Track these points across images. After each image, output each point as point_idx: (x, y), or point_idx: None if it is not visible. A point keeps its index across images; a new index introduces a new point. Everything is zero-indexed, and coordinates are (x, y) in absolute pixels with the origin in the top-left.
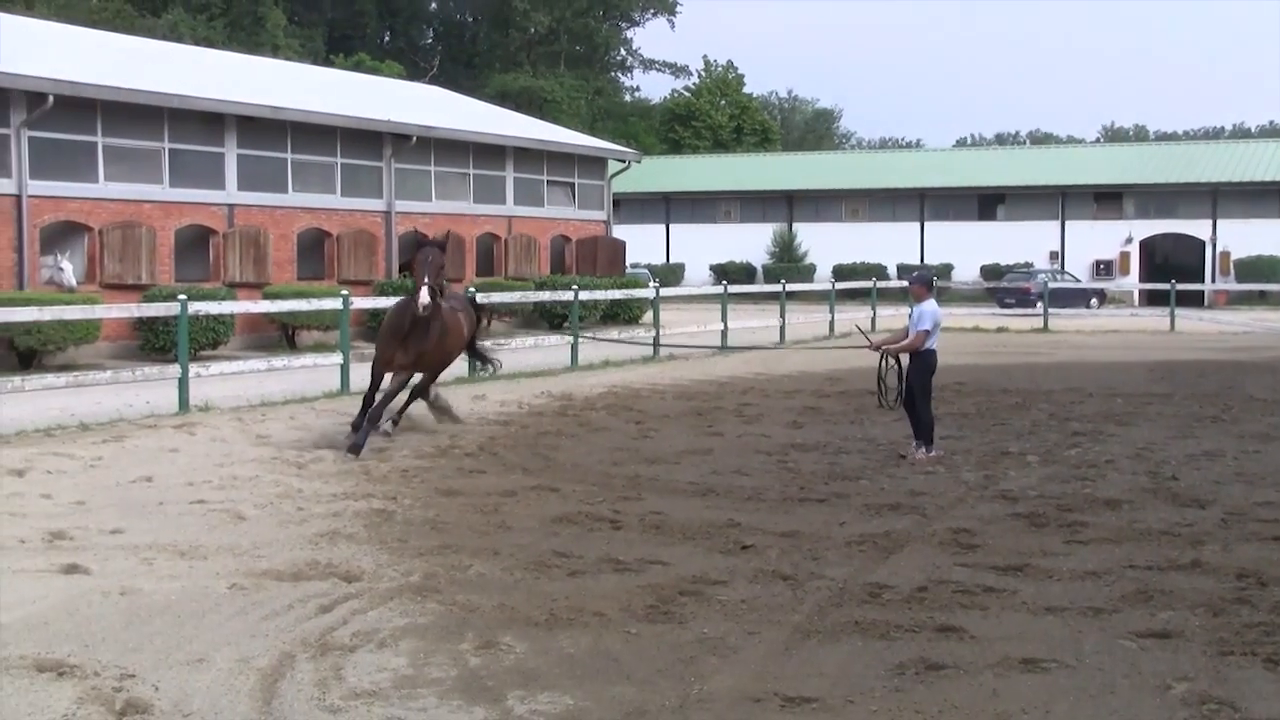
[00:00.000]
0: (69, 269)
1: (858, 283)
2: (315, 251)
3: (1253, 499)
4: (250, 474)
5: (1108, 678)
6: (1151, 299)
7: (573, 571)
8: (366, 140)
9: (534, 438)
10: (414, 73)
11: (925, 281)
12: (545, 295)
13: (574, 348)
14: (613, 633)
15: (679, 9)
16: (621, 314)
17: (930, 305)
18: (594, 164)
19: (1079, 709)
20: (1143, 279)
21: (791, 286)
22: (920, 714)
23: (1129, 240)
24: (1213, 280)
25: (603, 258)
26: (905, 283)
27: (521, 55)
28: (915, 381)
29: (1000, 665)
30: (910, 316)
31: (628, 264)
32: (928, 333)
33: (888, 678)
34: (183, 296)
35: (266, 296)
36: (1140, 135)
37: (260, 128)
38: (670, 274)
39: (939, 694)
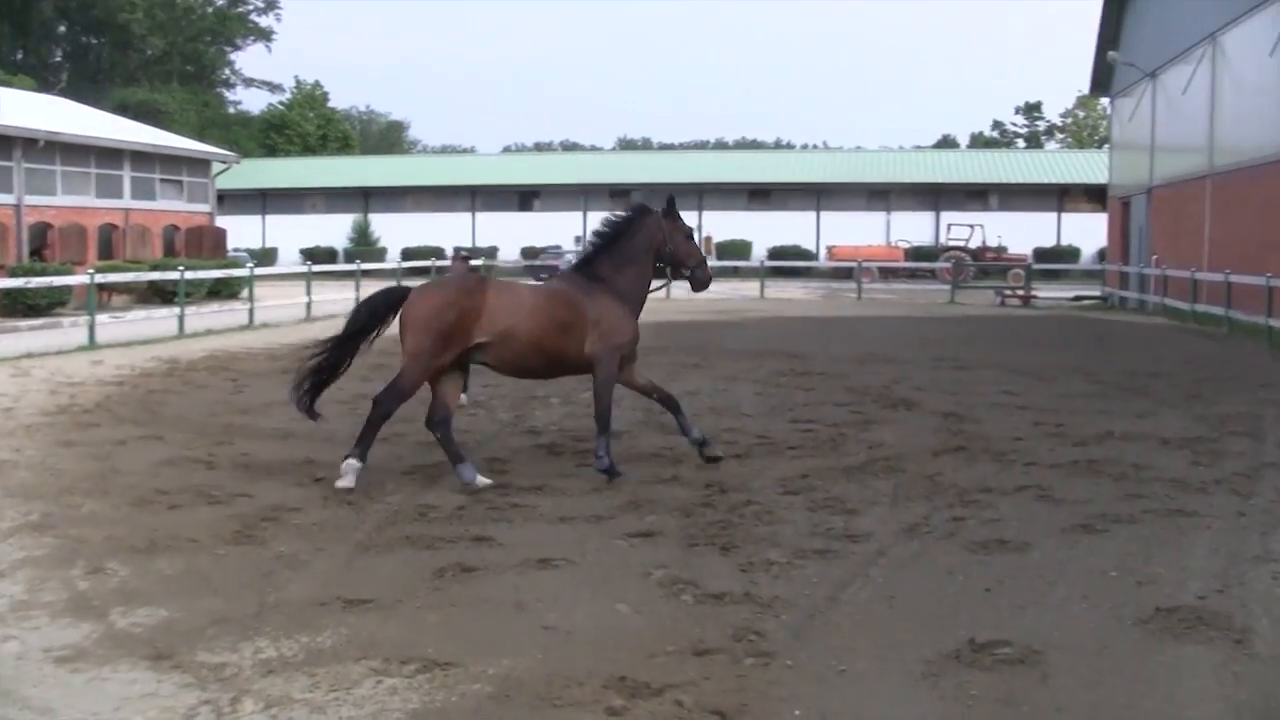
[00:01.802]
0: None
1: (422, 262)
2: None
3: (720, 426)
4: None
5: (605, 570)
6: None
7: (172, 506)
8: None
9: (143, 395)
10: (44, 86)
11: (467, 258)
12: (157, 275)
13: (180, 318)
14: (204, 555)
15: (275, 36)
16: (224, 290)
17: None
18: (200, 165)
19: (581, 595)
20: None
21: (366, 266)
22: (455, 606)
23: None
24: None
25: (208, 243)
26: (473, 261)
27: (140, 73)
28: None
29: (521, 565)
30: None
31: (230, 248)
32: None
33: (431, 580)
34: None
35: None
36: (646, 145)
37: None
38: (266, 256)
39: (471, 590)
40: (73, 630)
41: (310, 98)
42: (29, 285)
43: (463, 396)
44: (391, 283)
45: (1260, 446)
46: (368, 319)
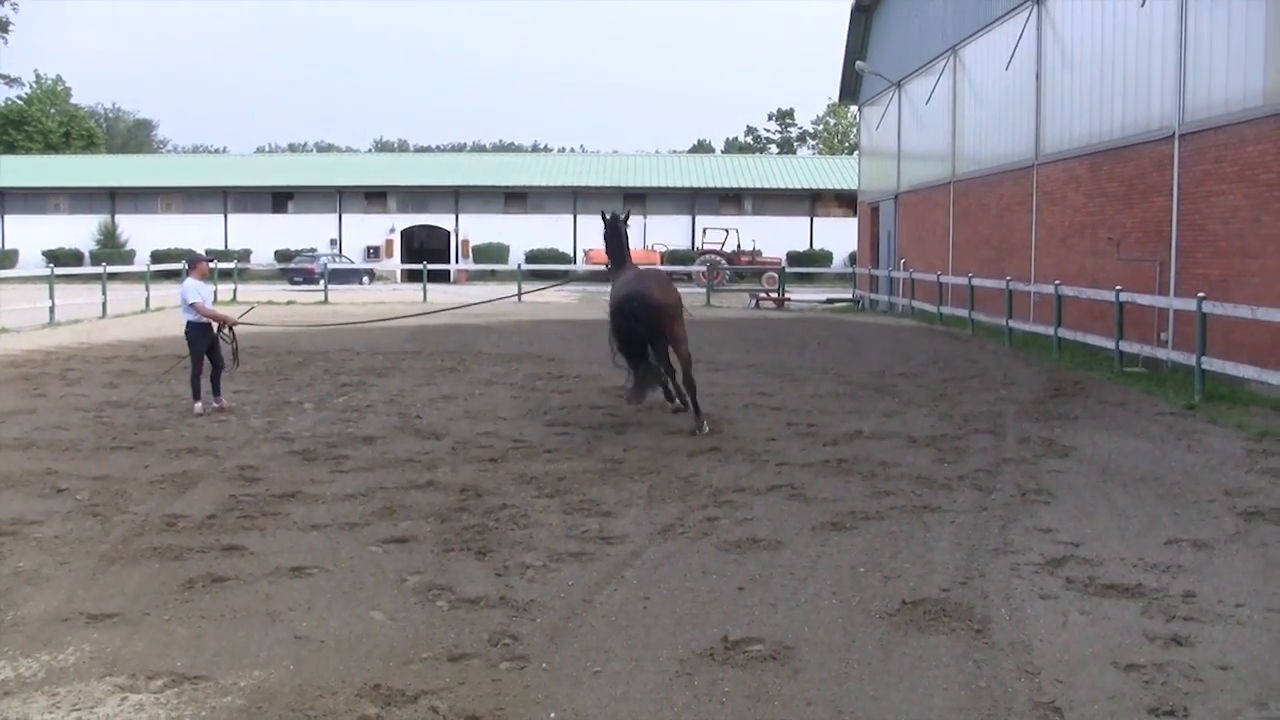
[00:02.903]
0: None
1: (172, 265)
2: None
3: (476, 430)
4: None
5: (358, 577)
6: (410, 276)
7: None
8: None
9: None
10: None
11: (208, 261)
12: None
13: None
14: None
15: (11, 28)
16: None
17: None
18: None
19: (335, 602)
20: (404, 260)
21: (113, 269)
22: (205, 619)
23: (392, 230)
24: (456, 261)
25: None
26: (213, 264)
27: None
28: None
29: (273, 574)
30: (194, 291)
31: None
32: None
33: (180, 591)
34: None
35: None
36: (403, 148)
37: None
38: (5, 259)
39: (222, 601)
40: None
41: (51, 93)
42: None
43: (221, 400)
44: (140, 286)
45: (1001, 443)
46: (636, 320)
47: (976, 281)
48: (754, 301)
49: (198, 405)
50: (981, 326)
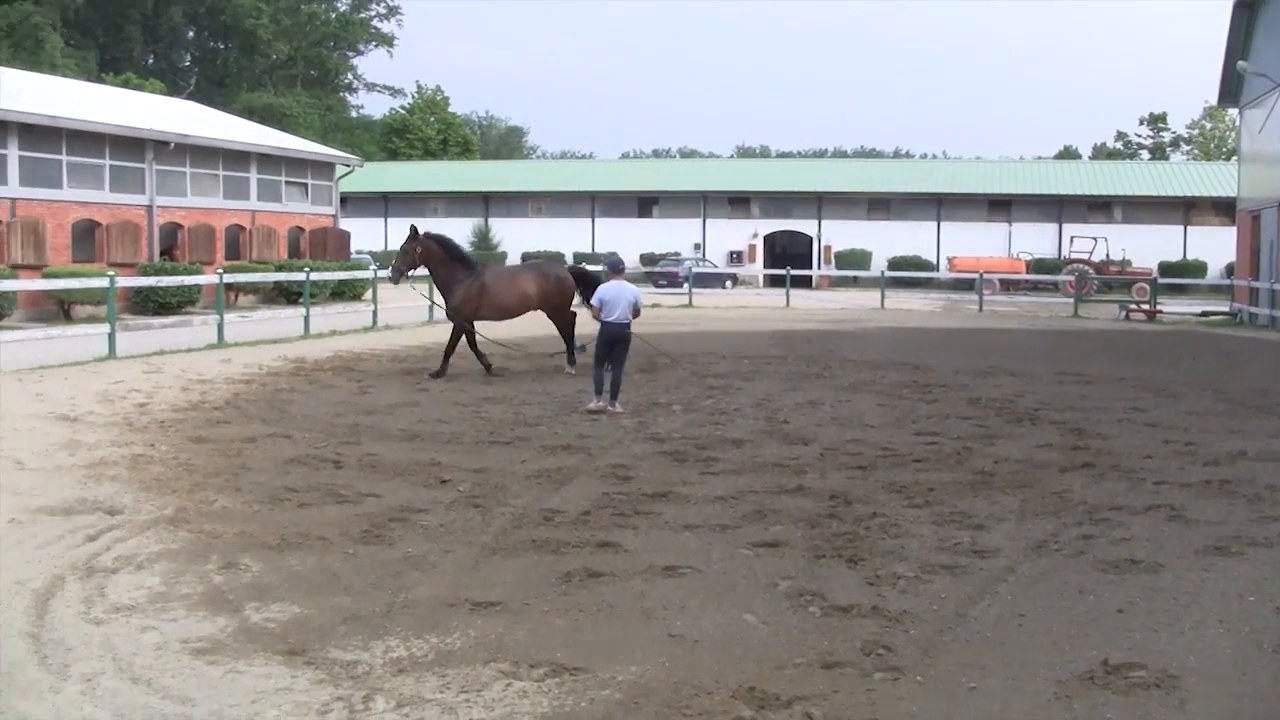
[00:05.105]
0: None
1: None
2: (87, 239)
3: (844, 437)
4: (28, 426)
5: (730, 579)
6: (772, 281)
7: (301, 504)
8: (131, 145)
9: (271, 394)
10: (173, 90)
11: (613, 266)
12: (282, 276)
13: (306, 319)
14: (333, 553)
15: (396, 42)
16: (347, 291)
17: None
18: (324, 168)
19: (707, 604)
20: (766, 265)
21: None
22: (582, 612)
23: (755, 235)
24: (818, 267)
25: (331, 245)
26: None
27: (265, 77)
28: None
29: (647, 572)
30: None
31: (352, 250)
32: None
33: (557, 584)
34: None
35: (45, 276)
36: (764, 153)
37: (39, 134)
38: (388, 259)
39: (598, 596)
40: (209, 623)
41: (431, 102)
42: (161, 284)
43: (616, 404)
44: None
45: None
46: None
47: None
48: (1124, 313)
49: (602, 403)
50: None
